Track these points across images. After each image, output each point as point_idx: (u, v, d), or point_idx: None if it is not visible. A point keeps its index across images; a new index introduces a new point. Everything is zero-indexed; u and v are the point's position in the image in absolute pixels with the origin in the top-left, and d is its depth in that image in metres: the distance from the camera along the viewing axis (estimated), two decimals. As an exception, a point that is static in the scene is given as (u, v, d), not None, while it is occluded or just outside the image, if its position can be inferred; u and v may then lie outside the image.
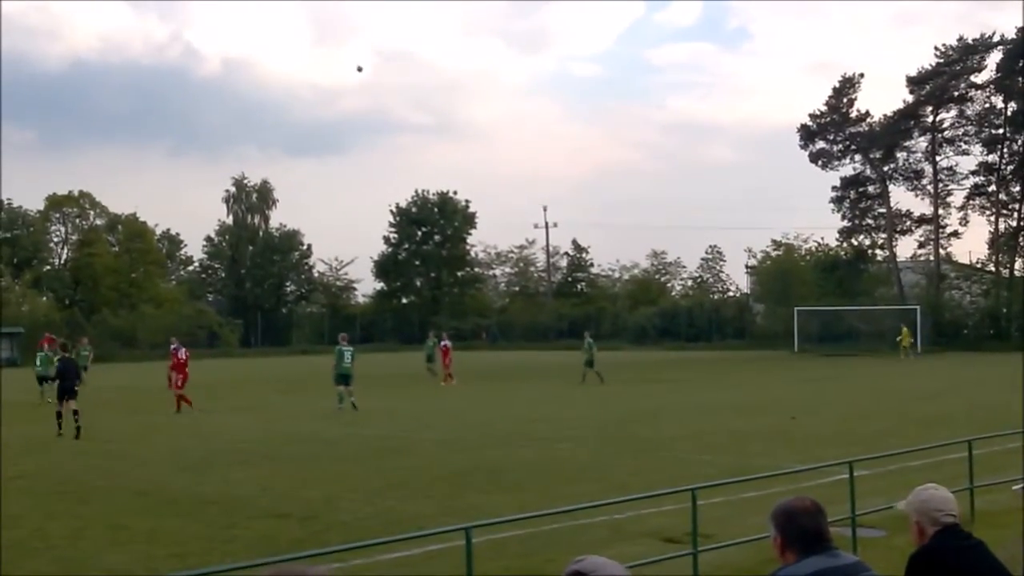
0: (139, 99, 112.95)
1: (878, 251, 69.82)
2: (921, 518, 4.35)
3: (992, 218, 65.70)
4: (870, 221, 69.09)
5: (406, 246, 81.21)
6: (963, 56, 63.33)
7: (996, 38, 62.69)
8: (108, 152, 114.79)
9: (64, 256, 77.03)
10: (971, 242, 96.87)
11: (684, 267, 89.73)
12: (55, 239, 77.23)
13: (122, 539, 11.46)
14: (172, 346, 28.15)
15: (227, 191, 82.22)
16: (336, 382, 27.09)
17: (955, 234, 66.55)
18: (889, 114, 65.94)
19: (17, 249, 72.96)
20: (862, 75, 67.42)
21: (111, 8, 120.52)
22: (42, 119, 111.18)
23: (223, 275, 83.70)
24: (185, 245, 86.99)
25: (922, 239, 67.64)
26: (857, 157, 68.11)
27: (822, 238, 73.02)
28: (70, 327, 61.46)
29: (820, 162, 68.34)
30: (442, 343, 37.71)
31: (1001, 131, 64.29)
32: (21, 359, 53.15)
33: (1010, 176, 64.82)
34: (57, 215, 76.44)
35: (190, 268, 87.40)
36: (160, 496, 14.07)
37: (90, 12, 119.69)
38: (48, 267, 75.93)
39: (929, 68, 64.27)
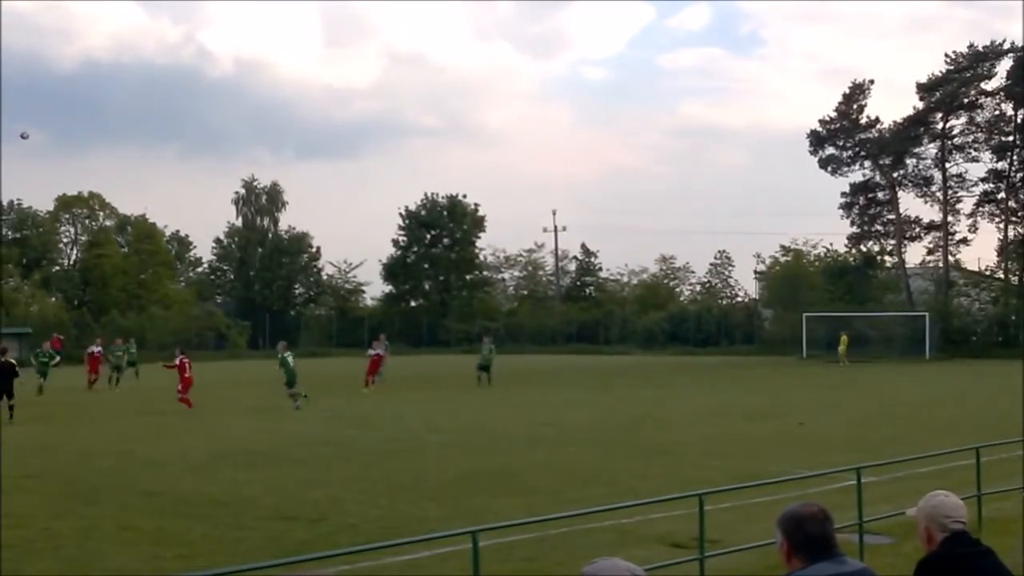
0: (151, 100, 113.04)
1: (887, 257, 69.62)
2: (930, 524, 4.35)
3: (1001, 225, 65.50)
4: (879, 227, 68.91)
5: (415, 249, 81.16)
6: (973, 63, 63.16)
7: (1007, 45, 62.47)
8: (119, 153, 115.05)
9: (73, 257, 77.25)
10: (980, 249, 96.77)
11: (693, 272, 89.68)
12: (64, 240, 77.49)
13: (129, 539, 11.49)
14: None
15: (236, 193, 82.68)
16: (288, 387, 28.36)
17: (964, 241, 66.38)
18: (899, 120, 65.77)
19: (26, 249, 73.05)
20: (872, 81, 67.38)
21: (124, 9, 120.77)
22: (54, 120, 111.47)
23: (232, 277, 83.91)
24: (194, 247, 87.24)
25: (931, 246, 67.56)
26: (867, 163, 67.93)
27: (831, 244, 72.68)
28: (78, 328, 61.68)
29: (829, 168, 68.16)
30: (375, 350, 35.74)
31: (1011, 138, 64.09)
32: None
33: (1020, 183, 64.62)
34: (67, 216, 76.62)
35: (199, 270, 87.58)
36: (168, 497, 14.10)
37: (103, 13, 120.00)
38: (57, 268, 76.10)
39: (939, 75, 64.07)
